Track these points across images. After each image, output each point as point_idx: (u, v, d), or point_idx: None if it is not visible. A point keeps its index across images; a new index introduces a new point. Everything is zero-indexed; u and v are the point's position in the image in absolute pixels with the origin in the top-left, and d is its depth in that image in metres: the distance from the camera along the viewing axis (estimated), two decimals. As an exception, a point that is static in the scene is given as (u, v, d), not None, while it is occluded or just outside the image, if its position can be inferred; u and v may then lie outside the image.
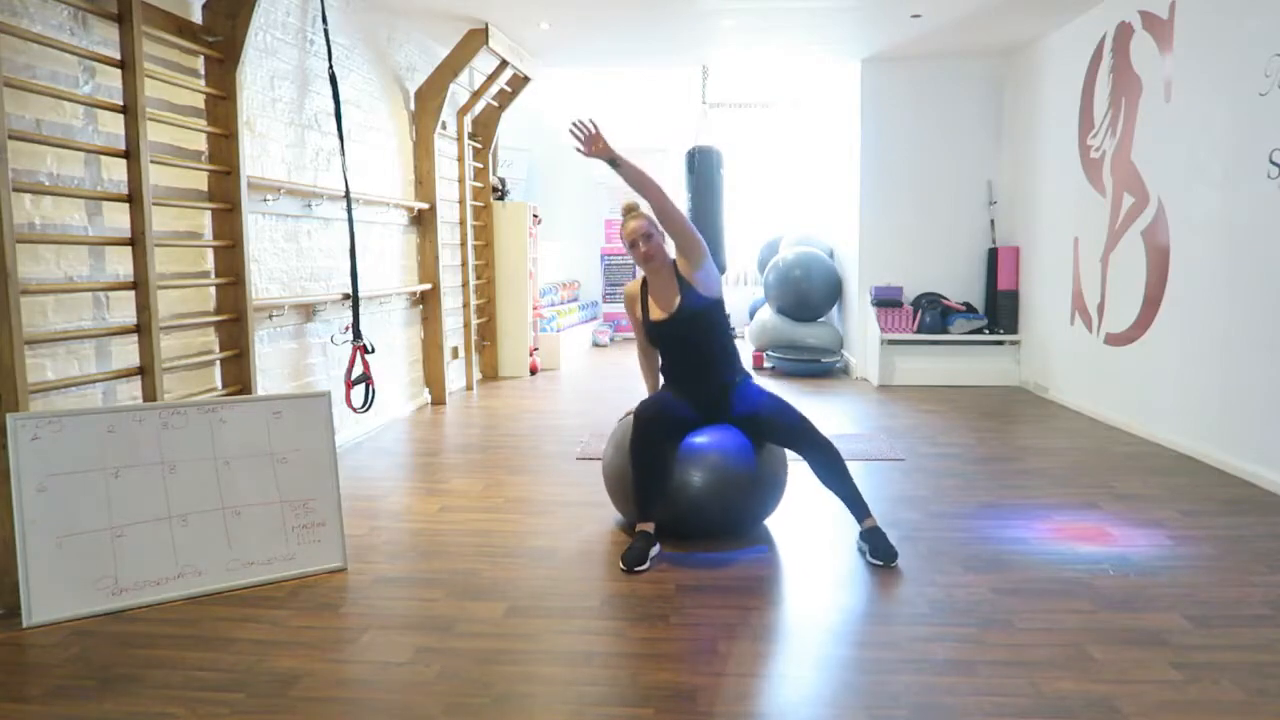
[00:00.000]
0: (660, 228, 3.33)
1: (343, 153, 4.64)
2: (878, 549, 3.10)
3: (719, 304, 3.41)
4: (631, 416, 3.38)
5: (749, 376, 3.50)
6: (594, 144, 3.13)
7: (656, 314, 3.40)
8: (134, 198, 3.23)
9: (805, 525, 3.58)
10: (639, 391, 3.79)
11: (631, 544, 3.14)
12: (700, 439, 3.31)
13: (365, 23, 5.45)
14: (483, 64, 6.69)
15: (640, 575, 3.02)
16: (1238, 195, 4.24)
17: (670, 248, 3.39)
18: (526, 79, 7.22)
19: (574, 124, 3.16)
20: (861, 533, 3.20)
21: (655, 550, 3.16)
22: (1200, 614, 2.65)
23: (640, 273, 3.51)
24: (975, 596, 2.80)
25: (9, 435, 2.62)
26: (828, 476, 3.26)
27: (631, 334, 3.64)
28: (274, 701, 2.19)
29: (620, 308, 10.12)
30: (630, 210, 3.38)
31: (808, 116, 9.67)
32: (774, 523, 3.57)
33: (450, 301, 6.61)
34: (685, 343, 3.39)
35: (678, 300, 3.34)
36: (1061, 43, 6.15)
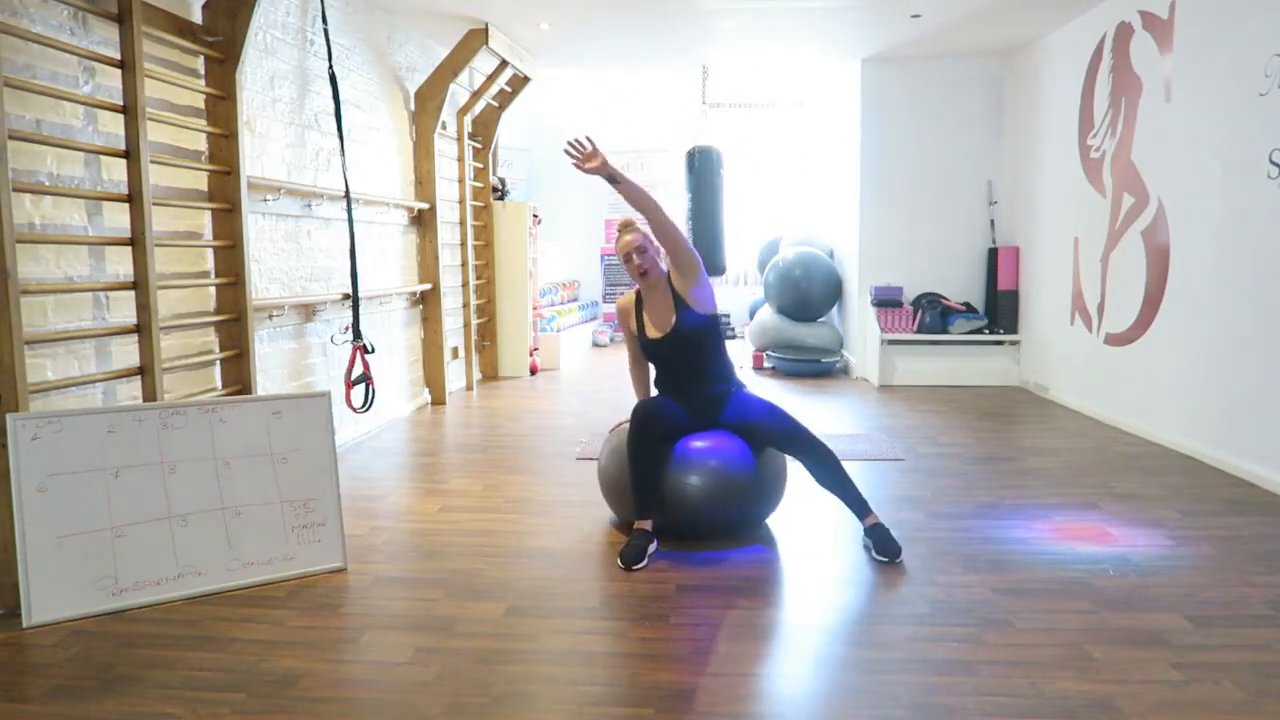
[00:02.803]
0: (655, 243, 3.35)
1: (343, 153, 4.64)
2: (882, 545, 3.11)
3: (714, 320, 3.43)
4: (624, 425, 3.41)
5: (743, 386, 3.53)
6: (590, 161, 3.14)
7: (652, 332, 3.42)
8: (134, 198, 3.23)
9: (805, 525, 3.58)
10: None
11: (629, 542, 3.14)
12: (699, 443, 3.32)
13: (365, 23, 5.45)
14: (483, 64, 6.69)
15: (640, 575, 3.02)
16: (1238, 195, 4.24)
17: (665, 263, 3.41)
18: (526, 79, 7.22)
19: (570, 142, 3.16)
20: (865, 530, 3.21)
21: (653, 548, 3.17)
22: (1200, 614, 2.65)
23: (631, 293, 3.55)
24: (975, 596, 2.80)
25: (9, 435, 2.62)
26: (825, 478, 3.27)
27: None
28: (274, 701, 2.19)
29: (620, 308, 10.07)
30: (625, 226, 3.40)
31: (808, 116, 9.67)
32: (774, 522, 3.57)
33: (450, 301, 6.61)
34: (680, 359, 3.42)
35: (673, 320, 3.37)
36: (1061, 43, 6.15)
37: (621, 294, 3.62)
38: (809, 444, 3.27)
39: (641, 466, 3.21)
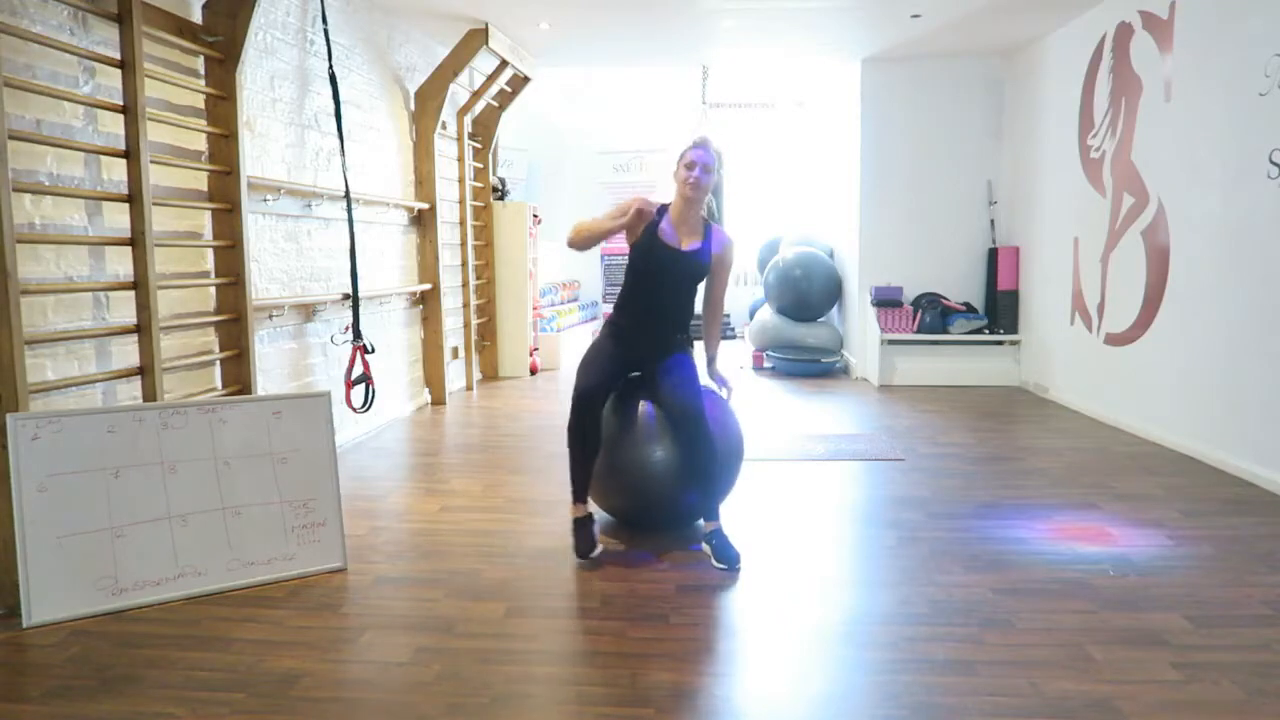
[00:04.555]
0: (716, 171, 3.31)
1: (343, 153, 4.63)
2: (719, 551, 3.10)
3: (707, 272, 3.39)
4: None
5: (691, 348, 3.43)
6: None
7: (664, 238, 3.27)
8: (134, 198, 3.23)
9: (805, 525, 3.58)
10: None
11: (576, 533, 3.19)
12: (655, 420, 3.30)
13: (365, 23, 5.45)
14: (483, 64, 6.69)
15: (640, 575, 3.02)
16: (1238, 195, 4.24)
17: (704, 209, 3.39)
18: (526, 79, 7.22)
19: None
20: (705, 533, 3.20)
21: (597, 530, 3.23)
22: (1200, 614, 2.65)
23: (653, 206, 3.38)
24: (975, 596, 2.80)
25: (9, 435, 2.62)
26: (699, 475, 3.19)
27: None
28: (274, 701, 2.19)
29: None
30: (702, 140, 3.34)
31: (808, 116, 9.67)
32: (774, 523, 3.57)
33: (450, 301, 6.61)
34: (666, 282, 3.32)
35: (698, 244, 3.30)
36: (1061, 43, 6.14)
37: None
38: (701, 436, 3.15)
39: (581, 449, 3.24)
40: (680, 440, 3.19)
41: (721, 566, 3.06)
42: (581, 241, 3.27)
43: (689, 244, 3.29)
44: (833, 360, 7.60)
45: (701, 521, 3.27)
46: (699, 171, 3.25)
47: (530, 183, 9.68)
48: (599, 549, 3.16)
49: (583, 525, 3.20)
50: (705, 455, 3.16)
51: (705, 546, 3.17)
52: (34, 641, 2.54)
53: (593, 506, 3.34)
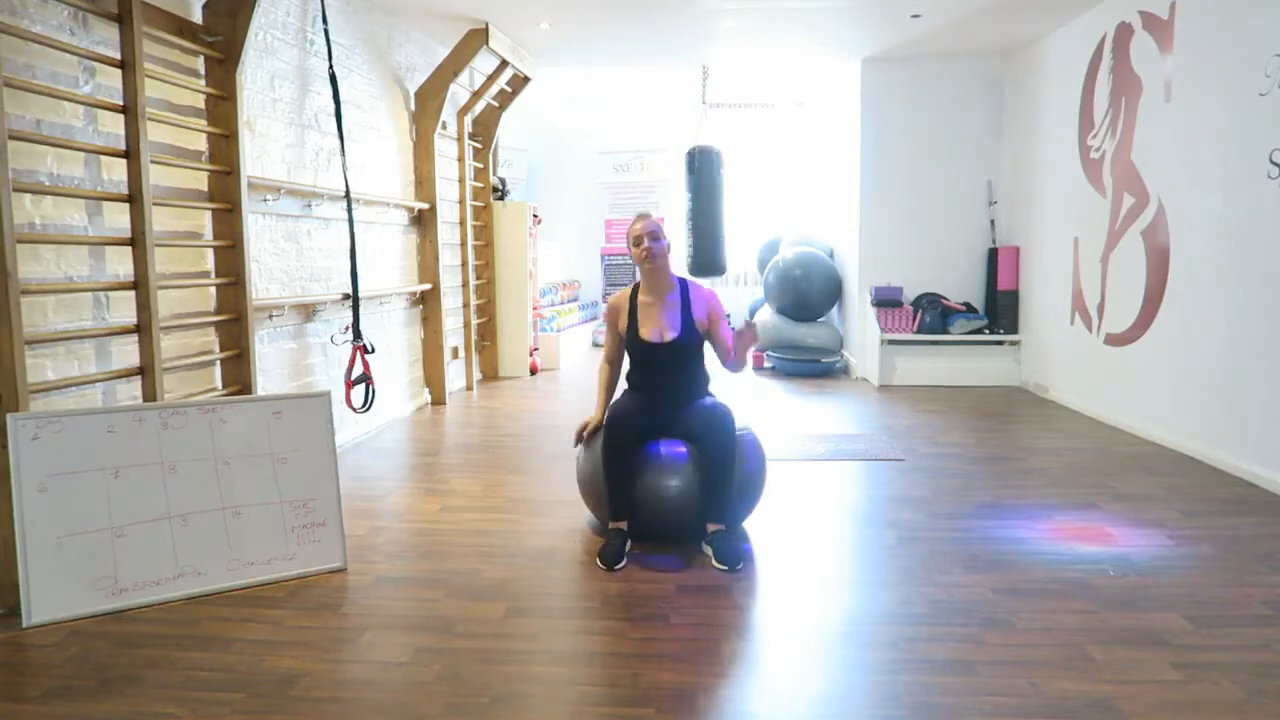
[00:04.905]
0: (665, 238, 3.41)
1: (343, 153, 4.63)
2: (720, 553, 3.10)
3: (703, 339, 3.47)
4: (580, 446, 3.49)
5: (713, 396, 3.51)
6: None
7: (647, 333, 3.41)
8: (134, 198, 3.23)
9: (805, 526, 3.58)
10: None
11: (607, 542, 3.18)
12: (677, 448, 3.32)
13: (365, 23, 5.45)
14: (483, 64, 6.69)
15: (640, 575, 3.02)
16: (1238, 195, 4.24)
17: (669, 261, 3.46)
18: (526, 79, 7.22)
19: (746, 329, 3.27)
20: (710, 534, 3.20)
21: (629, 546, 3.22)
22: (1200, 614, 2.65)
23: (626, 290, 3.53)
24: (975, 596, 2.80)
25: (9, 435, 2.62)
26: (712, 474, 3.21)
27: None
28: (274, 701, 2.19)
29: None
30: (641, 216, 3.45)
31: (808, 117, 9.67)
32: (773, 523, 3.57)
33: (450, 301, 6.61)
34: (667, 367, 3.43)
35: (677, 334, 3.39)
36: (1061, 43, 6.14)
37: (610, 297, 3.61)
38: (724, 432, 3.23)
39: (615, 470, 3.25)
40: (700, 432, 3.22)
41: (721, 568, 3.06)
42: (612, 380, 3.59)
43: (670, 334, 3.39)
44: (833, 360, 7.60)
45: (708, 524, 3.24)
46: (649, 242, 3.36)
47: (530, 183, 9.68)
48: (624, 564, 3.12)
49: (617, 536, 3.20)
50: (722, 453, 3.20)
51: (706, 548, 3.18)
52: (34, 641, 2.54)
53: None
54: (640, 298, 3.46)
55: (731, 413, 3.32)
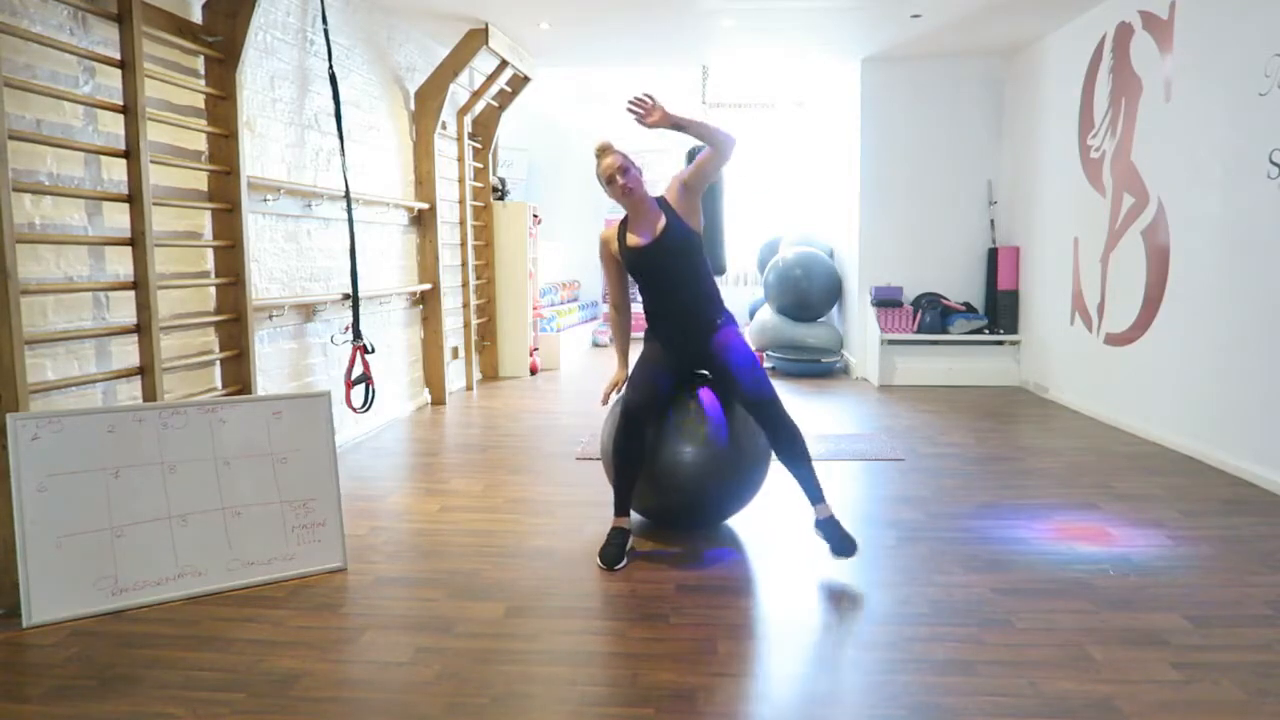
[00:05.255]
0: (636, 165, 3.27)
1: (343, 153, 4.63)
2: (838, 543, 3.04)
3: (700, 239, 3.31)
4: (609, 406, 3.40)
5: (732, 318, 3.38)
6: (652, 115, 3.13)
7: (634, 240, 3.26)
8: (134, 198, 3.23)
9: (805, 525, 3.58)
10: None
11: (608, 541, 3.16)
12: (691, 414, 3.28)
13: (365, 23, 5.45)
14: (483, 64, 6.69)
15: (640, 575, 3.02)
16: (1238, 195, 4.23)
17: (648, 186, 3.32)
18: (526, 79, 7.22)
19: (631, 101, 3.15)
20: (818, 521, 3.13)
21: (629, 545, 3.19)
22: (1200, 614, 2.65)
23: (613, 225, 3.42)
24: (975, 596, 2.80)
25: (9, 435, 2.62)
26: (787, 456, 3.16)
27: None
28: (274, 701, 2.19)
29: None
30: (603, 149, 3.27)
31: (808, 116, 9.67)
32: (773, 523, 3.57)
33: (450, 301, 6.61)
34: (668, 274, 3.27)
35: (662, 224, 3.23)
36: (1061, 43, 6.14)
37: (601, 233, 3.51)
38: (779, 419, 3.15)
39: (626, 462, 3.20)
40: (766, 432, 3.17)
41: (841, 557, 3.02)
42: (623, 319, 3.56)
43: (657, 229, 3.24)
44: (833, 360, 7.60)
45: (812, 509, 3.14)
46: (620, 179, 3.20)
47: (530, 183, 9.69)
48: (624, 563, 3.10)
49: (618, 535, 3.17)
50: (787, 434, 3.13)
51: (818, 534, 3.09)
52: (34, 641, 2.54)
53: (598, 508, 3.33)
54: (629, 223, 3.33)
55: (770, 386, 3.18)
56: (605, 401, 3.47)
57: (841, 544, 3.03)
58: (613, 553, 3.09)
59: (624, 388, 3.36)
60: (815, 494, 3.14)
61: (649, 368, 3.31)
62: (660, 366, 3.30)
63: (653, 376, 3.27)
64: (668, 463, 3.24)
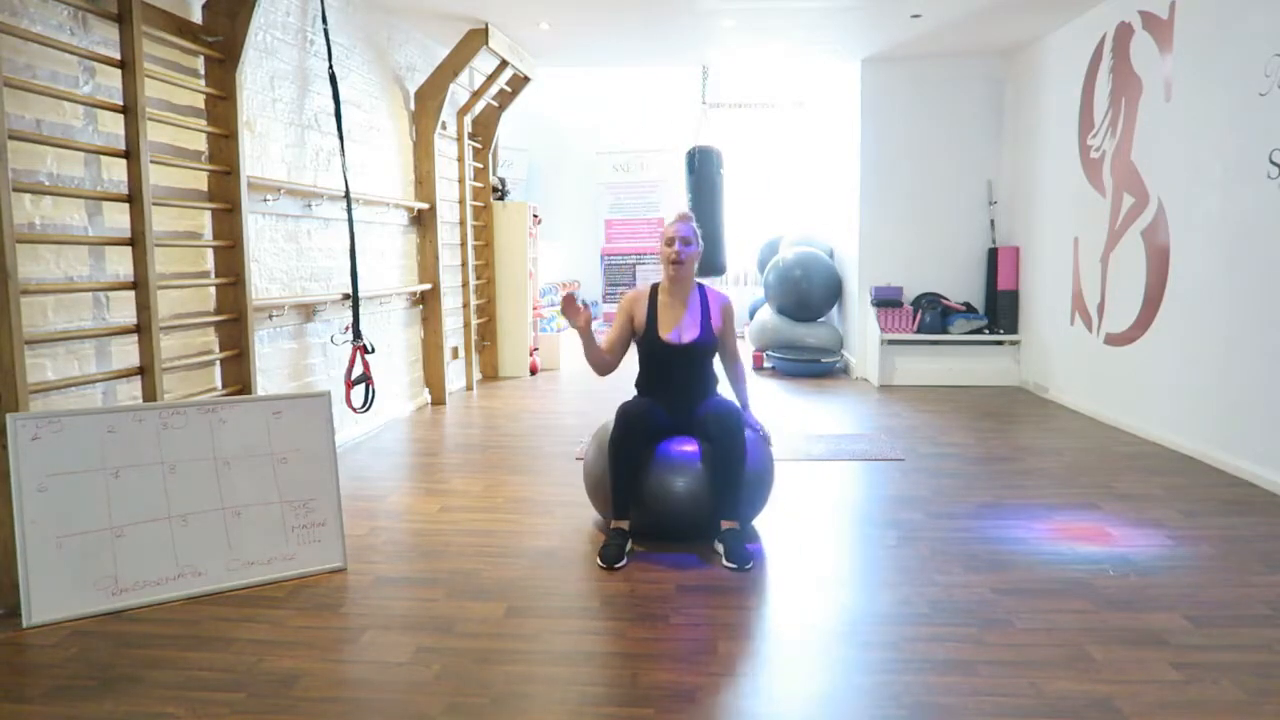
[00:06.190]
0: (699, 244, 3.47)
1: (343, 153, 4.63)
2: (732, 551, 3.09)
3: (717, 347, 3.51)
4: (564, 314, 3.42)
5: (718, 396, 3.51)
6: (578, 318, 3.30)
7: (666, 334, 3.41)
8: (134, 198, 3.23)
9: (804, 526, 3.58)
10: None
11: (608, 541, 3.17)
12: (685, 447, 3.33)
13: (365, 23, 5.45)
14: (483, 64, 6.69)
15: (640, 575, 3.02)
16: (1238, 195, 4.23)
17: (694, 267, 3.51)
18: (526, 79, 7.22)
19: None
20: (721, 531, 3.20)
21: (629, 546, 3.20)
22: (1200, 614, 2.65)
23: (644, 288, 3.54)
24: (975, 596, 2.80)
25: (9, 435, 2.62)
26: (729, 477, 3.20)
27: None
28: (274, 701, 2.19)
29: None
30: (682, 216, 3.50)
31: (808, 116, 9.67)
32: (773, 523, 3.57)
33: (450, 301, 6.61)
34: (682, 369, 3.44)
35: (698, 333, 3.41)
36: (1061, 43, 6.14)
37: (624, 292, 3.61)
38: (734, 432, 3.20)
39: (623, 467, 3.24)
40: (715, 439, 3.21)
41: (731, 567, 3.06)
42: (600, 368, 3.46)
43: (689, 335, 3.41)
44: (833, 360, 7.60)
45: (721, 522, 3.23)
46: (679, 246, 3.40)
47: (530, 183, 9.68)
48: (624, 563, 3.11)
49: (618, 536, 3.20)
50: (734, 449, 3.18)
51: (717, 545, 3.17)
52: (34, 641, 2.54)
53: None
54: (661, 297, 3.47)
55: (740, 412, 3.34)
56: (563, 310, 3.35)
57: (735, 555, 3.08)
58: (613, 553, 3.10)
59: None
60: (731, 513, 3.22)
61: (643, 399, 3.44)
62: (652, 404, 3.41)
63: (646, 401, 3.40)
64: (662, 483, 3.28)
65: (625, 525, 3.24)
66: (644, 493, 3.28)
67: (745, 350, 8.37)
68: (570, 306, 3.28)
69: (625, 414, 3.28)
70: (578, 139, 10.25)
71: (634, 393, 3.53)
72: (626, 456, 3.23)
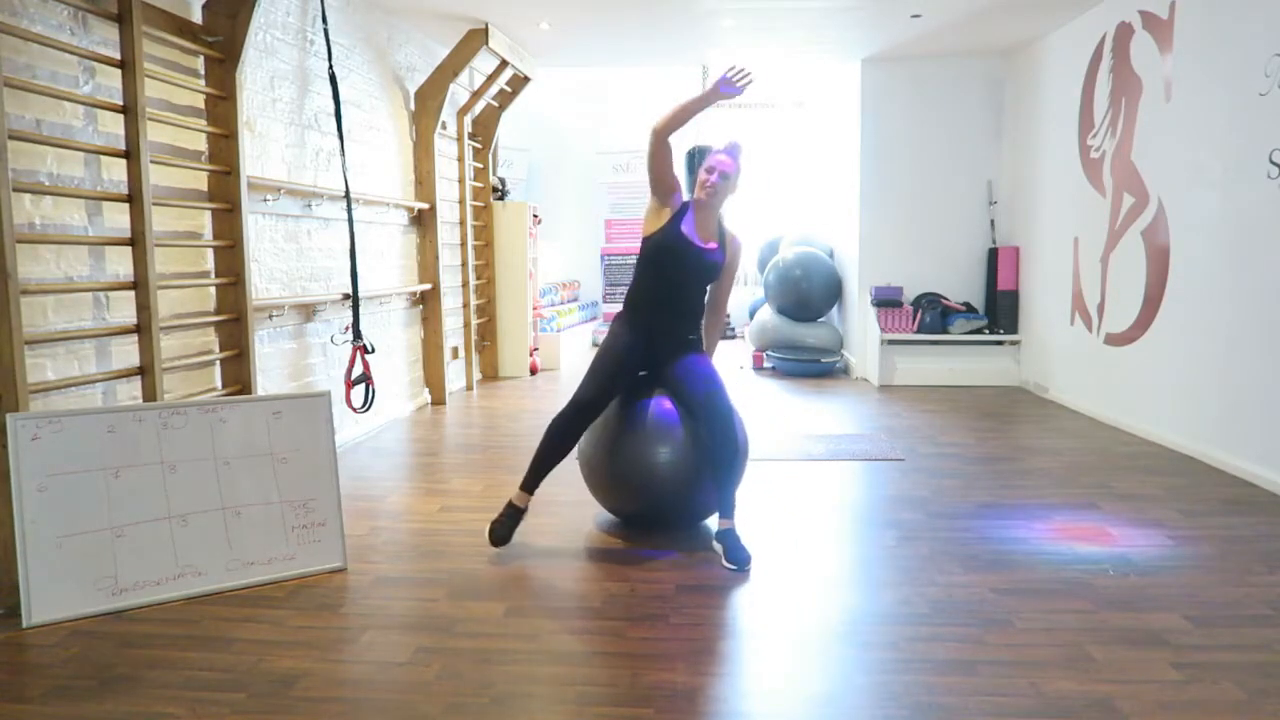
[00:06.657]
0: (738, 181, 3.42)
1: (343, 153, 4.63)
2: (731, 552, 3.09)
3: (720, 273, 3.46)
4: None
5: (703, 363, 3.42)
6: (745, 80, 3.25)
7: (688, 230, 3.32)
8: (134, 198, 3.23)
9: (804, 526, 3.58)
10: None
11: (503, 519, 3.28)
12: (664, 415, 3.31)
13: (365, 23, 5.45)
14: (483, 64, 6.69)
15: (640, 575, 3.02)
16: (1238, 195, 4.23)
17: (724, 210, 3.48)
18: (526, 79, 7.22)
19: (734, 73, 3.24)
20: (718, 532, 3.20)
21: (519, 525, 3.31)
22: (1200, 614, 2.65)
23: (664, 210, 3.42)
24: (975, 596, 2.80)
25: (9, 435, 2.62)
26: (725, 471, 3.20)
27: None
28: (274, 701, 2.19)
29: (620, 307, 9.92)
30: (732, 145, 3.44)
31: (808, 116, 9.67)
32: (772, 523, 3.57)
33: (450, 301, 6.61)
34: (684, 275, 3.35)
35: (715, 245, 3.37)
36: (1061, 43, 6.15)
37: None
38: (728, 431, 3.20)
39: (555, 450, 3.32)
40: (707, 435, 3.20)
41: (731, 567, 3.06)
42: (671, 125, 3.23)
43: (708, 242, 3.36)
44: (833, 360, 7.60)
45: (715, 519, 3.25)
46: (715, 177, 3.35)
47: (530, 183, 9.69)
48: (507, 545, 3.24)
49: (513, 514, 3.29)
50: (729, 451, 3.19)
51: (717, 545, 3.17)
52: (34, 641, 2.54)
53: (598, 508, 3.33)
54: (687, 218, 3.36)
55: (729, 402, 3.28)
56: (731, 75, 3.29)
57: (735, 554, 3.08)
58: (504, 531, 3.23)
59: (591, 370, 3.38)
60: (729, 511, 3.21)
61: (613, 356, 3.36)
62: (620, 364, 3.35)
63: (612, 375, 3.34)
64: (644, 467, 3.28)
65: (525, 502, 3.31)
66: (632, 478, 3.29)
67: (745, 349, 8.36)
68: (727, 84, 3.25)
69: (578, 404, 3.30)
70: (578, 139, 10.25)
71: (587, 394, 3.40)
72: (563, 442, 3.32)
